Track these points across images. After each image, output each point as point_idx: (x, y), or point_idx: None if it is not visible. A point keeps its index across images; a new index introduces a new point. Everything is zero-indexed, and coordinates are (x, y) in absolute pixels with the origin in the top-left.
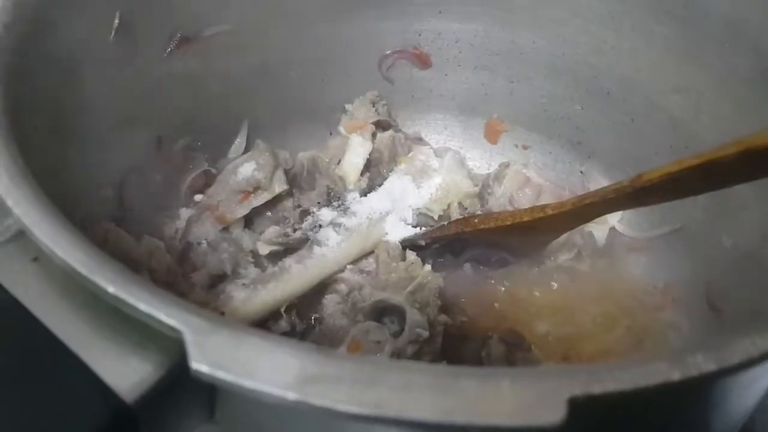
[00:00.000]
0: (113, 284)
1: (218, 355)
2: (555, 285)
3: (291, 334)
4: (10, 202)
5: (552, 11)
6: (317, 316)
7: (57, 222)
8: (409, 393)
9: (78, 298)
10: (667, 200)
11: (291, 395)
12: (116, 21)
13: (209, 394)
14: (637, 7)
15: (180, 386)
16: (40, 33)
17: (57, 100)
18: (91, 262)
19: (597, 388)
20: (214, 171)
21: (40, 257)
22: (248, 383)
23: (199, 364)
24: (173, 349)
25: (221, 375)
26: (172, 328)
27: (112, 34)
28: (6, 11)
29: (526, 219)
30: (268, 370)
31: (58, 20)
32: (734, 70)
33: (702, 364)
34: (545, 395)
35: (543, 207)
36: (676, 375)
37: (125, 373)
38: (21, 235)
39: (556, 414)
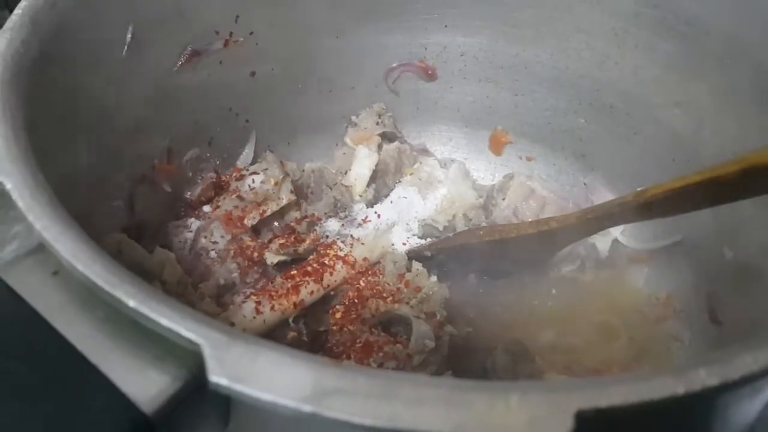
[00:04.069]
0: (133, 298)
1: (236, 368)
2: (558, 296)
3: (299, 343)
4: (31, 217)
5: (556, 26)
6: (324, 326)
7: (77, 237)
8: (421, 407)
9: (98, 312)
10: (670, 215)
11: (307, 408)
12: (129, 36)
13: (225, 404)
14: (640, 23)
15: (197, 397)
16: (55, 48)
17: (71, 114)
18: (111, 277)
19: (603, 402)
20: (222, 182)
21: (60, 271)
22: (265, 396)
23: (218, 377)
24: (191, 362)
25: (239, 387)
26: (191, 342)
27: (125, 48)
28: (24, 27)
29: (530, 232)
30: (284, 382)
31: (73, 35)
32: (735, 85)
33: (705, 378)
34: (553, 409)
35: (547, 220)
36: (680, 389)
37: (145, 385)
38: (41, 249)
39: (564, 427)
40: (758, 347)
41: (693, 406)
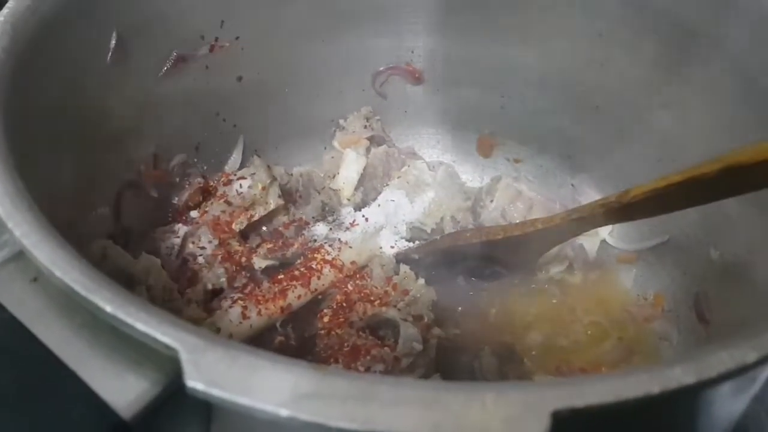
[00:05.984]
0: (110, 304)
1: (213, 372)
2: (547, 297)
3: (286, 347)
4: (10, 224)
5: (542, 29)
6: (312, 330)
7: (56, 243)
8: (398, 408)
9: (77, 318)
10: (654, 215)
11: (284, 412)
12: (113, 42)
13: (205, 410)
14: (625, 25)
15: (176, 402)
16: (37, 56)
17: (53, 120)
18: (89, 283)
19: (579, 402)
20: (210, 187)
21: (39, 277)
22: (242, 400)
23: (194, 382)
24: (169, 367)
25: (216, 392)
26: (167, 347)
27: (109, 54)
28: (5, 35)
29: (516, 233)
30: (261, 387)
31: (55, 43)
32: (718, 86)
33: (681, 377)
34: (529, 409)
35: (533, 221)
36: (655, 388)
37: (123, 390)
38: (21, 256)
39: (540, 427)
40: (734, 345)
41: (674, 403)
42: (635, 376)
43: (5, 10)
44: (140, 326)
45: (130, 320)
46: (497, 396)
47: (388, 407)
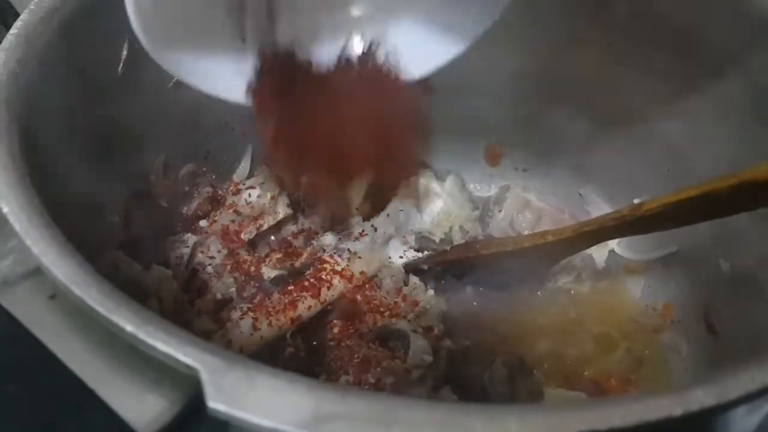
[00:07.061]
0: (130, 323)
1: (234, 393)
2: (555, 307)
3: (296, 359)
4: (28, 242)
5: (551, 38)
6: (322, 340)
7: (73, 260)
8: (419, 431)
9: (95, 336)
10: (666, 228)
11: None
12: (124, 52)
13: (223, 429)
14: (635, 35)
15: (195, 421)
16: (50, 67)
17: (65, 130)
18: (108, 301)
19: (602, 425)
20: (218, 196)
21: (57, 295)
22: (264, 422)
23: (215, 403)
24: (189, 386)
25: (237, 413)
26: (188, 367)
27: (120, 64)
28: (19, 47)
29: (526, 245)
30: (283, 408)
31: (68, 54)
32: (731, 99)
33: (702, 399)
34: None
35: (543, 234)
36: (677, 410)
37: (142, 409)
38: (37, 272)
39: None
40: (755, 366)
41: (691, 423)
42: (657, 398)
43: (19, 22)
44: (160, 346)
45: (150, 340)
46: (519, 419)
47: (411, 430)
